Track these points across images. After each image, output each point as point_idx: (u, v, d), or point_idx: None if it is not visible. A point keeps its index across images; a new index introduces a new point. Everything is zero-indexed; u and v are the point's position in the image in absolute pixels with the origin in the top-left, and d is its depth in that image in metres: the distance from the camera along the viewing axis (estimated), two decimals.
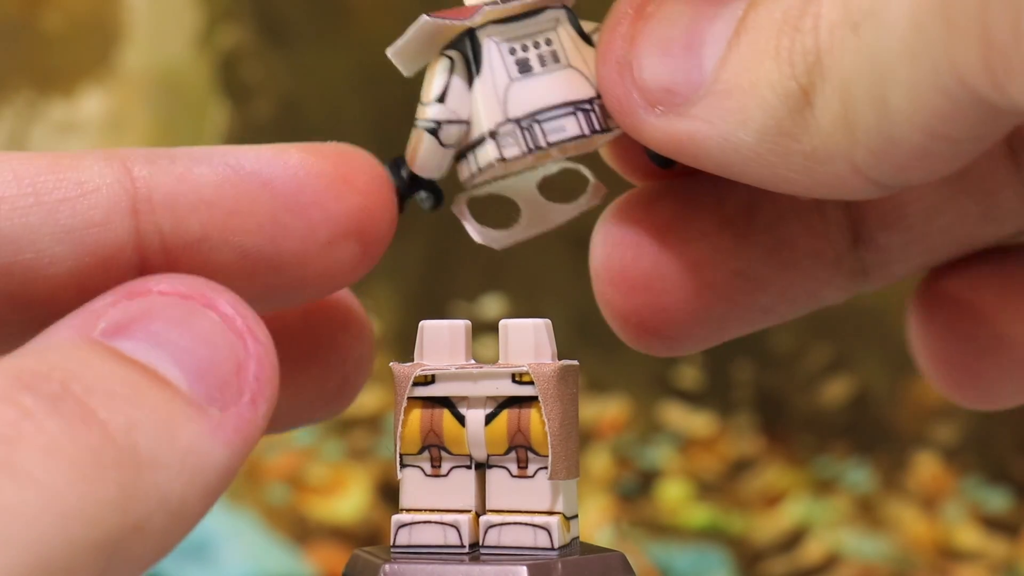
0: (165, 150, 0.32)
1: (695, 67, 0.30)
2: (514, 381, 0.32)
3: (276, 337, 0.29)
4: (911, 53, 0.26)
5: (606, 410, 0.92)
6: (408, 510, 0.33)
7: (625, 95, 0.31)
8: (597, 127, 0.32)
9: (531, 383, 0.32)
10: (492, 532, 0.32)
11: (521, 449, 0.32)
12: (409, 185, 0.33)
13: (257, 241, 0.31)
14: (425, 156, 0.33)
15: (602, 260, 0.35)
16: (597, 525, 0.90)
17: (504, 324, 0.33)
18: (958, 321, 0.35)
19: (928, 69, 0.26)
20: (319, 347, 0.36)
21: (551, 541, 0.32)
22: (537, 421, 0.32)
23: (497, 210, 0.36)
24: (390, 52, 0.33)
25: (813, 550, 0.90)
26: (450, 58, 0.32)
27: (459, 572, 0.31)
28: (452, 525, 0.32)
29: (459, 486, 0.33)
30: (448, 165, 0.33)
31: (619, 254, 0.34)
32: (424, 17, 0.32)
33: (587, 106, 0.32)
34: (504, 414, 0.32)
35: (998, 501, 0.89)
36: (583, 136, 0.32)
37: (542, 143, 0.32)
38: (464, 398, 0.33)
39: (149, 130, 0.97)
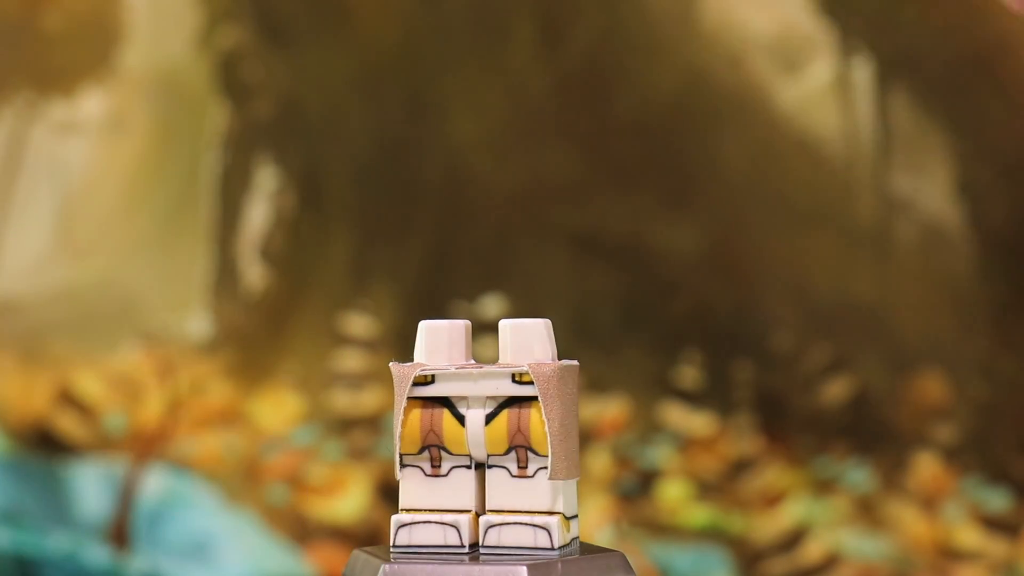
0: None
1: None
2: (514, 381, 0.32)
3: None
4: None
5: (606, 410, 0.92)
6: (408, 510, 0.33)
7: None
8: None
9: (531, 383, 0.32)
10: (492, 532, 0.32)
11: (521, 449, 0.32)
12: None
13: None
14: None
15: None
16: (597, 525, 0.90)
17: (504, 324, 0.33)
18: None
19: None
20: None
21: (551, 541, 0.32)
22: (537, 421, 0.32)
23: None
24: None
25: (813, 550, 0.90)
26: None
27: (459, 572, 0.31)
28: (452, 525, 0.32)
29: (459, 486, 0.33)
30: None
31: None
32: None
33: None
34: (504, 414, 0.32)
35: (998, 501, 0.89)
36: None
37: None
38: (464, 398, 0.33)
39: (149, 130, 0.97)
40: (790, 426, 0.91)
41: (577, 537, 0.33)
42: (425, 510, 0.33)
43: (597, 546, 0.33)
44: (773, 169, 0.92)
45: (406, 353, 0.35)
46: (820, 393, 0.91)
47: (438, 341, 0.33)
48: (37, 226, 0.97)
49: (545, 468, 0.32)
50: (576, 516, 0.33)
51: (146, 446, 0.94)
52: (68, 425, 0.95)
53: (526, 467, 0.32)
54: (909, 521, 0.90)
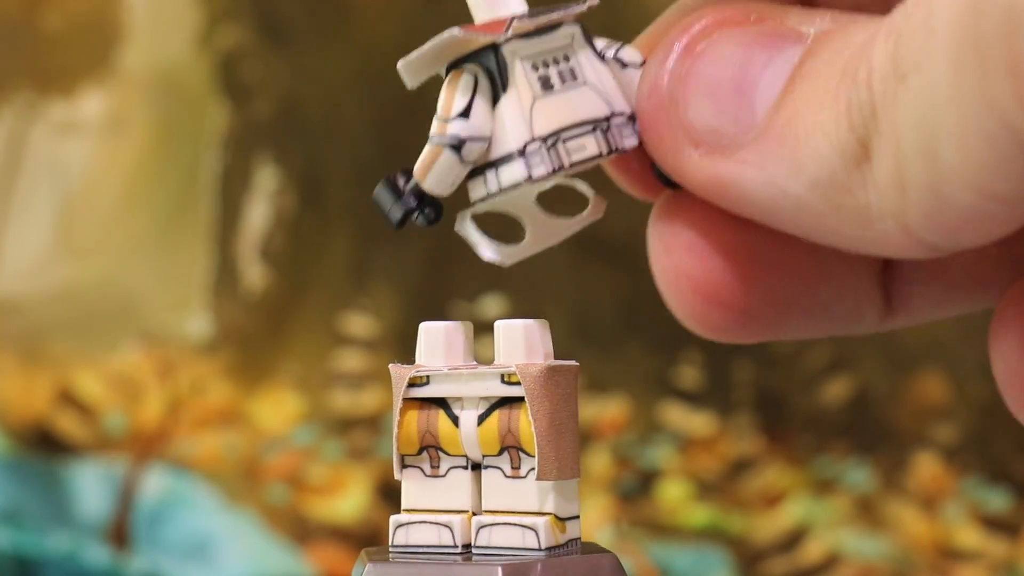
0: None
1: (746, 110, 0.29)
2: (503, 382, 0.32)
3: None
4: (956, 99, 0.25)
5: (606, 410, 0.92)
6: (408, 510, 0.33)
7: (669, 132, 0.30)
8: (614, 146, 0.32)
9: (520, 383, 0.32)
10: (483, 532, 0.32)
11: (513, 450, 0.32)
12: (416, 201, 0.33)
13: None
14: (441, 172, 0.32)
15: (670, 266, 0.33)
16: (597, 525, 0.90)
17: (498, 325, 0.33)
18: None
19: (971, 114, 0.25)
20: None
21: (538, 542, 0.32)
22: (526, 421, 0.32)
23: (497, 226, 0.36)
24: (402, 64, 0.33)
25: (813, 550, 0.90)
26: (473, 74, 0.32)
27: (438, 572, 0.31)
28: (446, 525, 0.32)
29: (456, 486, 0.33)
30: (459, 182, 0.33)
31: (686, 259, 0.33)
32: (455, 30, 0.32)
33: (605, 124, 0.32)
34: (495, 415, 0.32)
35: (998, 501, 0.89)
36: (601, 156, 0.32)
37: (566, 162, 0.31)
38: (459, 399, 0.33)
39: (149, 130, 0.97)
40: (790, 426, 0.91)
41: (577, 538, 0.33)
42: (423, 510, 0.33)
43: (596, 546, 0.33)
44: None
45: (406, 353, 0.35)
46: (820, 393, 0.91)
47: (437, 342, 0.33)
48: (37, 226, 0.97)
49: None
50: (576, 517, 0.33)
51: (146, 446, 0.94)
52: (68, 425, 0.95)
53: (519, 468, 0.32)
54: (909, 521, 0.89)
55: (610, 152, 0.32)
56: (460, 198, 0.36)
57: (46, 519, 0.93)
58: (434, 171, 0.32)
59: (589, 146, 0.31)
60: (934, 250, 0.28)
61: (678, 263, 0.33)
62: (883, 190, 0.27)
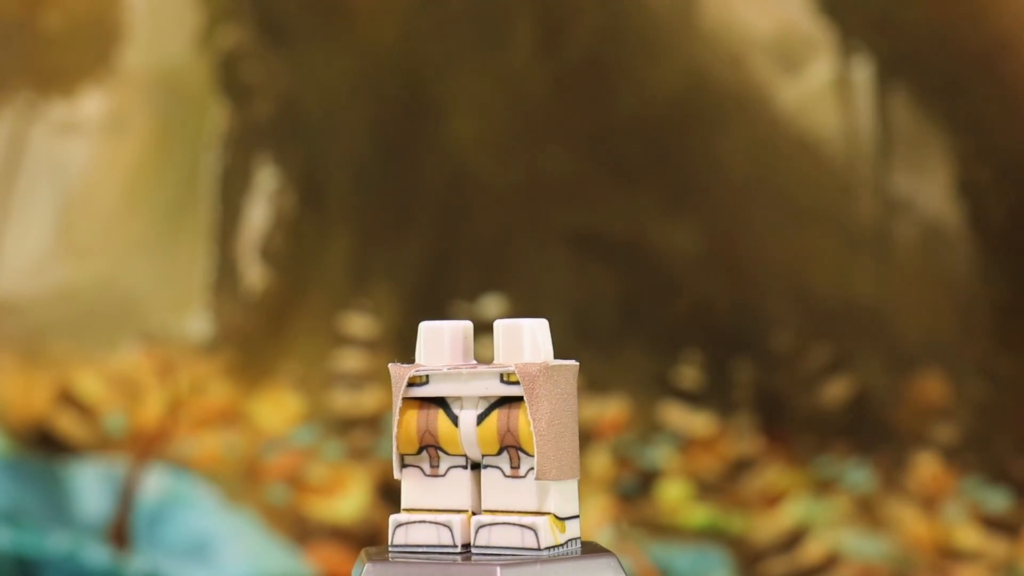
0: None
1: None
2: (502, 381, 0.32)
3: None
4: None
5: (606, 410, 0.92)
6: (407, 510, 0.33)
7: None
8: None
9: (519, 383, 0.32)
10: (483, 532, 0.32)
11: (512, 449, 0.32)
12: None
13: None
14: None
15: None
16: (597, 525, 0.90)
17: (498, 325, 0.33)
18: None
19: None
20: None
21: (537, 542, 0.32)
22: (524, 421, 0.31)
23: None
24: None
25: (813, 550, 0.90)
26: None
27: (437, 572, 0.31)
28: (445, 525, 0.32)
29: (456, 486, 0.33)
30: None
31: None
32: None
33: None
34: (494, 414, 0.32)
35: (998, 501, 0.89)
36: None
37: None
38: (458, 398, 0.33)
39: (149, 130, 0.97)
40: (790, 426, 0.91)
41: (577, 538, 0.33)
42: (423, 510, 0.33)
43: (597, 545, 0.33)
44: (773, 169, 0.92)
45: (406, 353, 0.35)
46: (820, 393, 0.91)
47: (437, 342, 0.33)
48: (37, 226, 0.97)
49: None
50: (575, 517, 0.33)
51: (146, 446, 0.94)
52: (68, 425, 0.95)
53: (518, 467, 0.32)
54: (909, 521, 0.89)
55: None
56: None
57: (46, 519, 0.93)
58: None
59: None
60: None
61: None
62: None
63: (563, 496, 0.32)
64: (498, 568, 0.31)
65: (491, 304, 0.91)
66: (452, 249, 0.91)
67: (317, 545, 0.92)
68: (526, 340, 0.32)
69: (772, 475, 0.91)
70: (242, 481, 0.93)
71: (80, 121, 0.97)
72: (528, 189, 0.91)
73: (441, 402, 0.33)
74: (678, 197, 0.92)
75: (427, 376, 0.33)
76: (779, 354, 0.91)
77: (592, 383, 0.91)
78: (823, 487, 0.90)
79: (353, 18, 0.96)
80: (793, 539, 0.90)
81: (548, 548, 0.32)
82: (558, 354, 0.33)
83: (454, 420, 0.33)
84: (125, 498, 0.93)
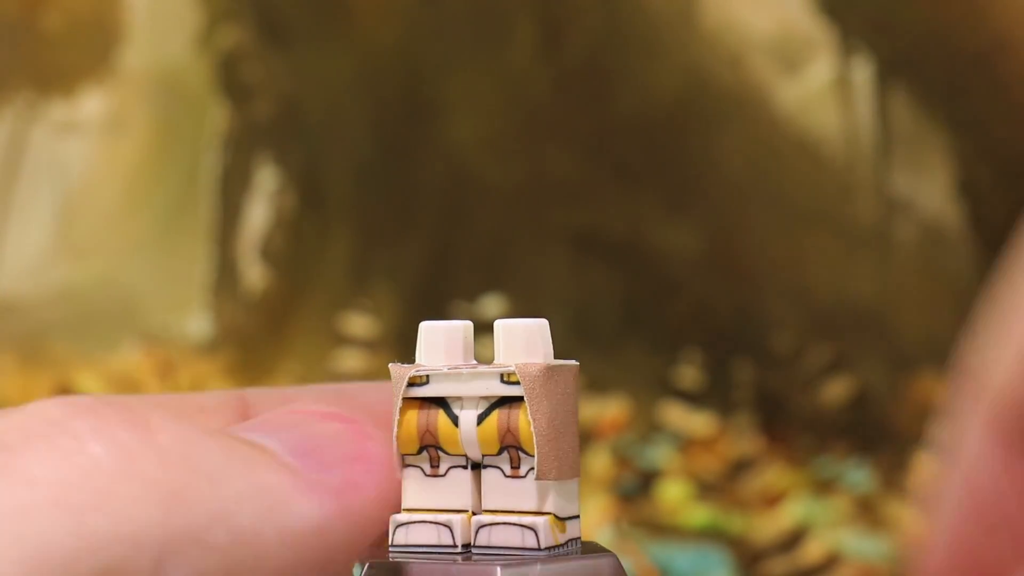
0: None
1: None
2: (503, 381, 0.32)
3: None
4: None
5: (606, 410, 0.92)
6: (408, 510, 0.34)
7: None
8: None
9: (520, 383, 0.32)
10: (483, 532, 0.32)
11: (512, 449, 0.32)
12: None
13: None
14: None
15: None
16: (597, 525, 0.90)
17: (498, 324, 0.33)
18: None
19: None
20: None
21: (538, 541, 0.32)
22: (525, 421, 0.31)
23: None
24: None
25: (813, 550, 0.90)
26: None
27: (437, 572, 0.31)
28: (445, 525, 0.33)
29: (456, 486, 0.33)
30: None
31: None
32: None
33: None
34: (495, 414, 0.32)
35: None
36: None
37: None
38: (458, 398, 0.33)
39: (149, 130, 0.97)
40: (790, 426, 0.91)
41: (577, 538, 0.33)
42: (424, 510, 0.33)
43: (597, 545, 0.33)
44: (773, 169, 0.92)
45: (406, 353, 0.35)
46: (820, 393, 0.91)
47: (437, 342, 0.33)
48: (37, 226, 0.97)
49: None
50: (575, 517, 0.33)
51: None
52: None
53: (518, 467, 0.32)
54: (909, 521, 0.90)
55: None
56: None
57: None
58: None
59: None
60: None
61: None
62: None
63: (563, 496, 0.32)
64: (498, 568, 0.31)
65: (491, 304, 0.91)
66: (452, 249, 0.91)
67: None
68: (526, 340, 0.32)
69: (772, 475, 0.91)
70: None
71: (80, 121, 0.97)
72: (528, 189, 0.91)
73: (441, 402, 0.33)
74: (678, 197, 0.92)
75: (427, 376, 0.33)
76: (779, 354, 0.91)
77: (592, 383, 0.91)
78: (823, 487, 0.91)
79: (353, 18, 0.96)
80: (793, 539, 0.90)
81: (548, 548, 0.32)
82: (558, 354, 0.33)
83: (454, 420, 0.33)
84: None
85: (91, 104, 0.97)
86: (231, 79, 0.96)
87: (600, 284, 0.91)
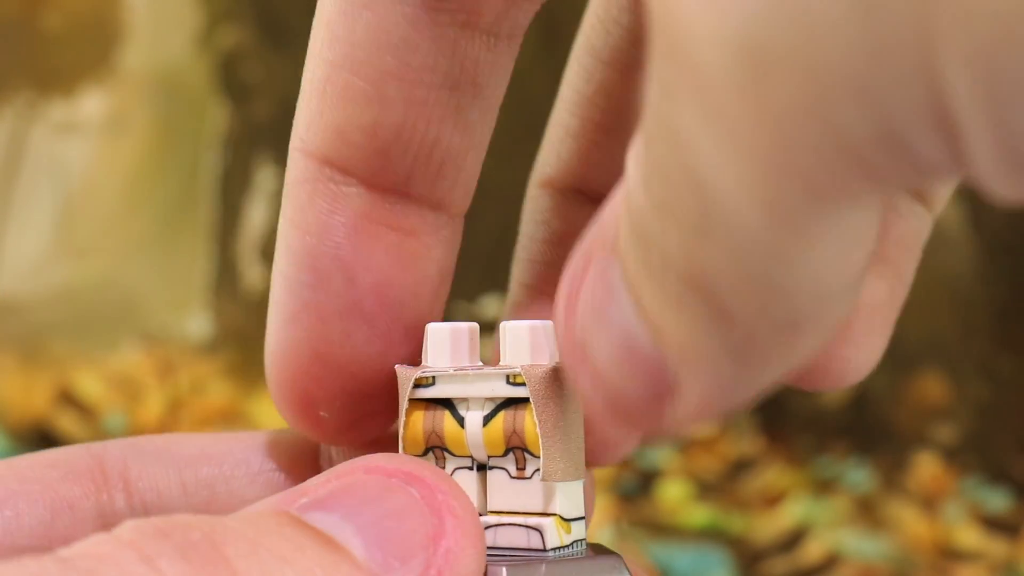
0: None
1: None
2: (508, 383, 0.32)
3: None
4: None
5: None
6: None
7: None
8: None
9: (525, 384, 0.32)
10: (488, 533, 0.32)
11: (518, 451, 0.32)
12: None
13: None
14: None
15: None
16: (597, 525, 0.90)
17: (503, 326, 0.33)
18: None
19: None
20: None
21: (543, 543, 0.32)
22: (531, 422, 0.31)
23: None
24: None
25: (813, 550, 0.90)
26: None
27: None
28: None
29: (462, 487, 0.33)
30: None
31: None
32: None
33: None
34: (500, 415, 0.32)
35: (998, 501, 0.89)
36: None
37: None
38: (464, 400, 0.33)
39: (149, 130, 0.97)
40: (790, 426, 0.91)
41: (582, 539, 0.33)
42: None
43: (603, 547, 0.33)
44: None
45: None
46: (820, 393, 0.91)
47: (442, 343, 0.33)
48: (37, 226, 0.97)
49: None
50: (581, 518, 0.33)
51: None
52: (68, 425, 0.95)
53: (524, 468, 0.32)
54: (909, 521, 0.90)
55: None
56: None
57: None
58: None
59: None
60: None
61: None
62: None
63: (569, 497, 0.32)
64: (504, 569, 0.31)
65: (491, 304, 0.91)
66: None
67: None
68: (531, 342, 0.32)
69: (772, 475, 0.91)
70: None
71: (80, 121, 0.97)
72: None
73: (447, 403, 0.33)
74: None
75: (433, 377, 0.33)
76: None
77: None
78: (823, 487, 0.91)
79: None
80: (793, 539, 0.90)
81: (554, 549, 0.32)
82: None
83: (460, 422, 0.33)
84: None
85: (91, 104, 0.97)
86: (231, 79, 0.96)
87: None
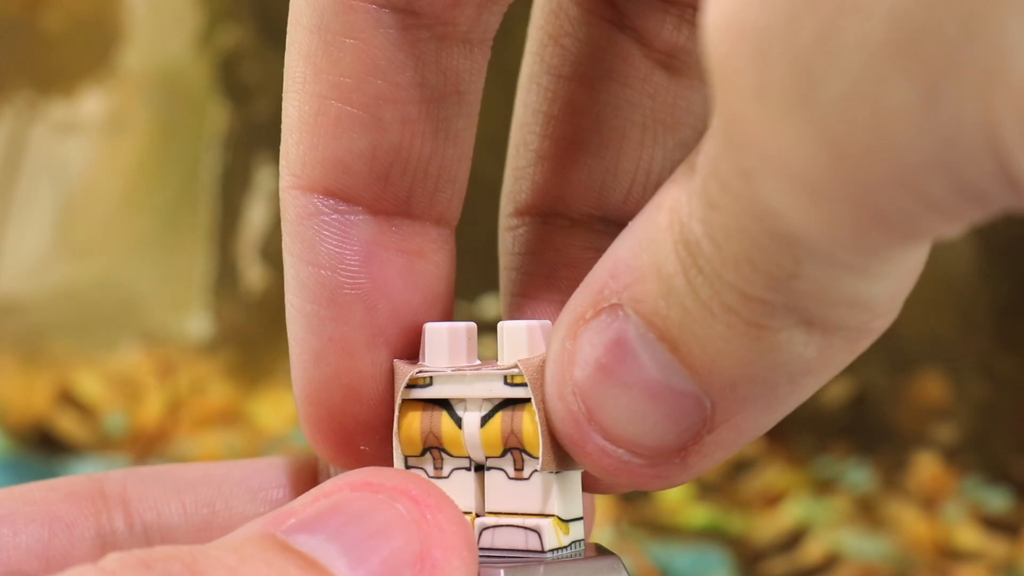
0: None
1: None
2: (506, 383, 0.32)
3: None
4: None
5: None
6: None
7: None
8: None
9: (523, 385, 0.31)
10: (486, 534, 0.32)
11: (516, 451, 0.32)
12: None
13: None
14: None
15: None
16: (597, 525, 0.90)
17: (501, 326, 0.33)
18: None
19: None
20: None
21: (541, 544, 0.32)
22: (529, 422, 0.31)
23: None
24: None
25: (813, 550, 0.90)
26: None
27: None
28: None
29: (460, 488, 0.33)
30: None
31: None
32: None
33: None
34: (498, 416, 0.32)
35: (998, 501, 0.89)
36: None
37: None
38: (462, 400, 0.33)
39: (149, 130, 0.97)
40: (790, 426, 0.91)
41: (580, 540, 0.33)
42: None
43: (602, 547, 0.33)
44: None
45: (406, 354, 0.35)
46: (820, 393, 0.91)
47: (440, 343, 0.33)
48: (37, 226, 0.97)
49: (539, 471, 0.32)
50: (579, 519, 0.33)
51: (146, 446, 0.94)
52: (68, 425, 0.95)
53: (522, 469, 0.32)
54: (909, 521, 0.90)
55: None
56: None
57: None
58: None
59: None
60: None
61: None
62: None
63: (566, 498, 0.32)
64: (502, 571, 0.31)
65: (491, 304, 0.91)
66: None
67: None
68: (528, 342, 0.32)
69: (772, 475, 0.91)
70: None
71: (80, 121, 0.97)
72: None
73: (445, 404, 0.33)
74: None
75: (431, 377, 0.33)
76: None
77: None
78: (823, 487, 0.91)
79: None
80: (793, 539, 0.90)
81: (552, 550, 0.32)
82: None
83: (458, 422, 0.33)
84: None
85: (91, 104, 0.97)
86: (231, 79, 0.96)
87: None
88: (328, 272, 0.33)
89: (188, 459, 0.93)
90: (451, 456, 0.33)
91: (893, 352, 0.90)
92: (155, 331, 0.96)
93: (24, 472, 0.94)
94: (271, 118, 0.96)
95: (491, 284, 0.92)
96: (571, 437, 0.29)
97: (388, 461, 0.34)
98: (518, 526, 0.32)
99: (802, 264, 0.26)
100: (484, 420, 0.32)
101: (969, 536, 0.89)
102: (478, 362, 0.33)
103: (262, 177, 0.96)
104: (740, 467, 0.91)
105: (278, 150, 0.35)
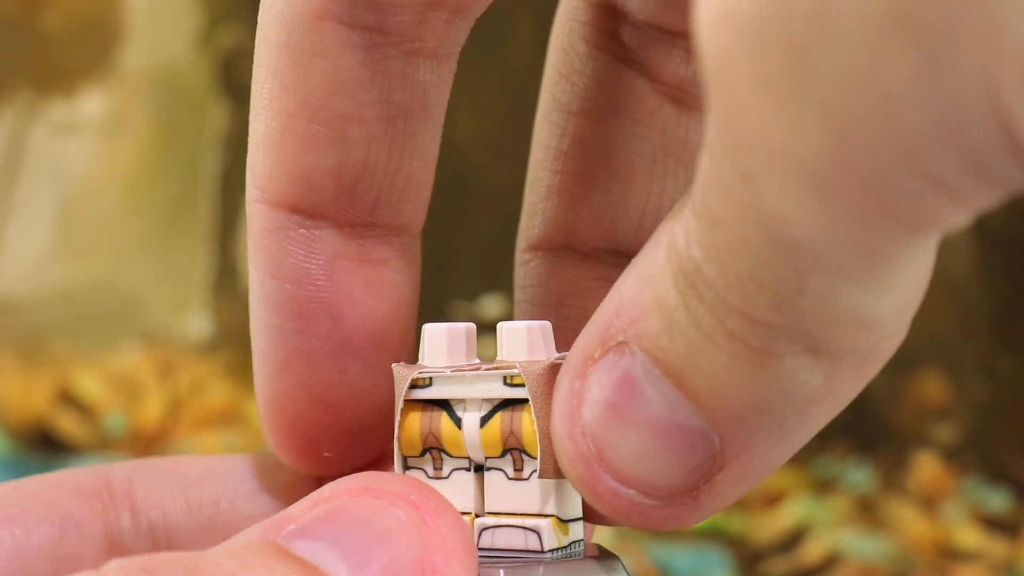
0: None
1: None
2: (505, 383, 0.32)
3: None
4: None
5: None
6: None
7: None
8: None
9: (522, 385, 0.31)
10: (486, 535, 0.32)
11: (515, 452, 0.32)
12: None
13: None
14: None
15: None
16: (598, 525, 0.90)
17: (501, 326, 0.33)
18: None
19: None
20: None
21: (541, 544, 0.32)
22: (528, 423, 0.31)
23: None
24: None
25: (813, 550, 0.90)
26: None
27: None
28: None
29: (459, 488, 0.33)
30: None
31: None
32: None
33: None
34: (498, 416, 0.32)
35: (998, 501, 0.89)
36: None
37: None
38: (461, 400, 0.33)
39: (149, 130, 0.97)
40: None
41: (580, 540, 0.33)
42: None
43: (602, 547, 0.33)
44: None
45: (406, 355, 0.35)
46: None
47: (439, 344, 0.33)
48: (37, 226, 0.97)
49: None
50: (579, 519, 0.33)
51: (146, 446, 0.94)
52: (68, 425, 0.95)
53: (521, 469, 0.32)
54: (909, 521, 0.90)
55: None
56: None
57: None
58: None
59: None
60: None
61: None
62: None
63: (566, 498, 0.32)
64: (501, 571, 0.31)
65: (491, 304, 0.91)
66: (452, 249, 0.91)
67: None
68: (528, 342, 0.32)
69: (772, 475, 0.91)
70: None
71: (80, 121, 0.97)
72: None
73: (444, 404, 0.33)
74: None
75: (430, 378, 0.33)
76: None
77: None
78: (823, 487, 0.91)
79: None
80: (793, 539, 0.90)
81: (552, 550, 0.32)
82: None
83: (457, 422, 0.33)
84: None
85: (91, 104, 0.97)
86: (231, 79, 0.96)
87: None
88: (293, 286, 0.34)
89: None
90: (450, 456, 0.33)
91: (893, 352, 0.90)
92: (155, 331, 0.96)
93: (24, 472, 0.94)
94: None
95: (491, 284, 0.92)
96: (582, 479, 0.29)
97: (352, 467, 0.34)
98: (518, 526, 0.32)
99: (807, 277, 0.26)
100: (483, 420, 0.32)
101: (969, 536, 0.89)
102: (477, 362, 0.33)
103: None
104: None
105: None
